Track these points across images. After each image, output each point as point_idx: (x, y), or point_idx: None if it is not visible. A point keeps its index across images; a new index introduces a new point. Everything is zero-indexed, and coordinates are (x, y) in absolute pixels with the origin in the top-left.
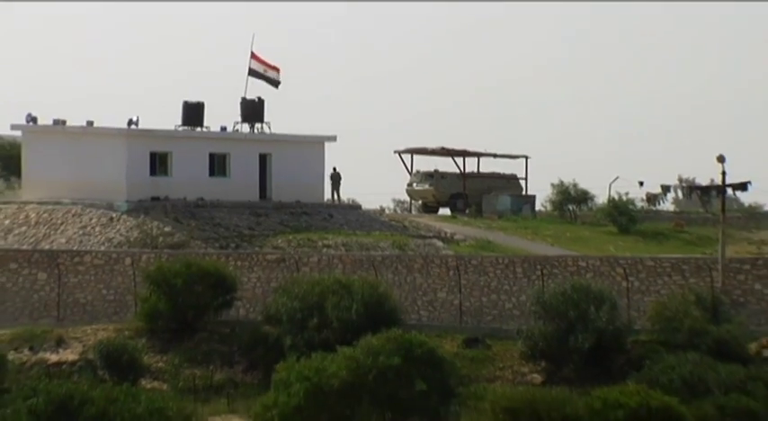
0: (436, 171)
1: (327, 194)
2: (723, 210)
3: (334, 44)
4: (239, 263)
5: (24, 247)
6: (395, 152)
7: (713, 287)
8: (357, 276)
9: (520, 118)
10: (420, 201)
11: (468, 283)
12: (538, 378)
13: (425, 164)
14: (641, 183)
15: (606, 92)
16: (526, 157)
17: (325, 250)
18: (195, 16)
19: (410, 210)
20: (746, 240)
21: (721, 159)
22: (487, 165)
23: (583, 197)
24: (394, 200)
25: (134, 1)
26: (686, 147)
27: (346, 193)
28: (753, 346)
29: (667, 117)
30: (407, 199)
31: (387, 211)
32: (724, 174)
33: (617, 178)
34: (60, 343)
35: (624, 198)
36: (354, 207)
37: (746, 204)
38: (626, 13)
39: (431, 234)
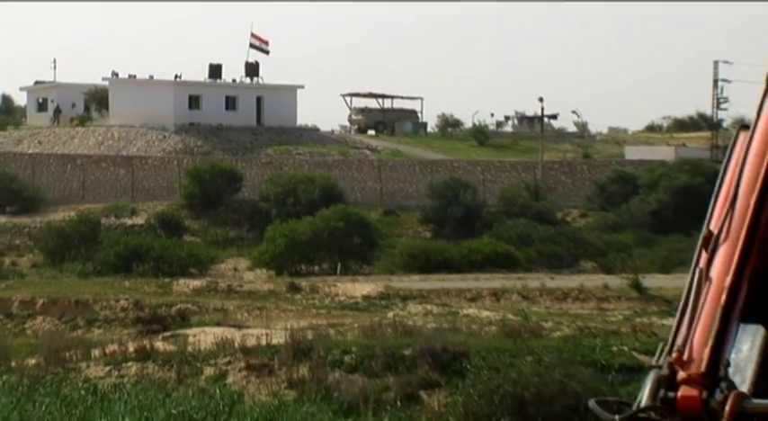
0: (366, 107)
1: (300, 120)
2: (542, 131)
3: (304, 23)
4: (244, 164)
5: (111, 154)
6: (341, 95)
7: (536, 178)
8: (317, 173)
9: (418, 71)
10: (356, 126)
11: (385, 176)
12: (428, 234)
13: (360, 102)
14: (492, 114)
15: (472, 52)
16: (421, 99)
17: (297, 156)
18: (218, 7)
19: (350, 132)
20: (555, 150)
21: (541, 100)
22: (398, 103)
23: (456, 123)
24: (340, 125)
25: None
26: (520, 89)
27: (309, 121)
28: (559, 214)
29: (507, 67)
30: (348, 124)
31: (335, 132)
32: (543, 109)
33: (477, 111)
34: (133, 213)
35: (481, 123)
36: (315, 130)
37: (557, 127)
38: None
39: (363, 146)
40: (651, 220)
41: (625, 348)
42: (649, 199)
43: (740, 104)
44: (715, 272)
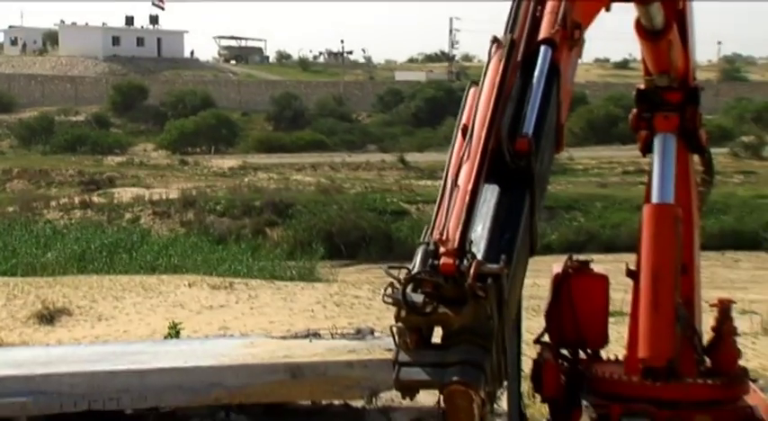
0: (231, 46)
1: (186, 54)
2: (343, 61)
3: None
4: (149, 82)
5: (61, 75)
6: (213, 37)
7: (340, 92)
8: (198, 88)
9: (265, 20)
10: (223, 58)
11: (243, 91)
12: (270, 128)
13: (225, 42)
14: (311, 51)
15: (300, 7)
16: (265, 40)
17: (184, 77)
18: None
19: (219, 62)
20: (352, 74)
21: (342, 41)
22: (250, 43)
23: (288, 56)
24: (213, 57)
25: None
26: (330, 33)
27: (199, 56)
28: (354, 116)
29: (322, 17)
30: (218, 56)
31: (209, 62)
32: (343, 47)
33: (301, 48)
34: (77, 113)
35: (304, 56)
36: (196, 60)
37: (352, 59)
38: None
39: (228, 71)
40: (411, 119)
41: (395, 200)
42: (410, 105)
43: (465, 46)
44: (462, 180)
